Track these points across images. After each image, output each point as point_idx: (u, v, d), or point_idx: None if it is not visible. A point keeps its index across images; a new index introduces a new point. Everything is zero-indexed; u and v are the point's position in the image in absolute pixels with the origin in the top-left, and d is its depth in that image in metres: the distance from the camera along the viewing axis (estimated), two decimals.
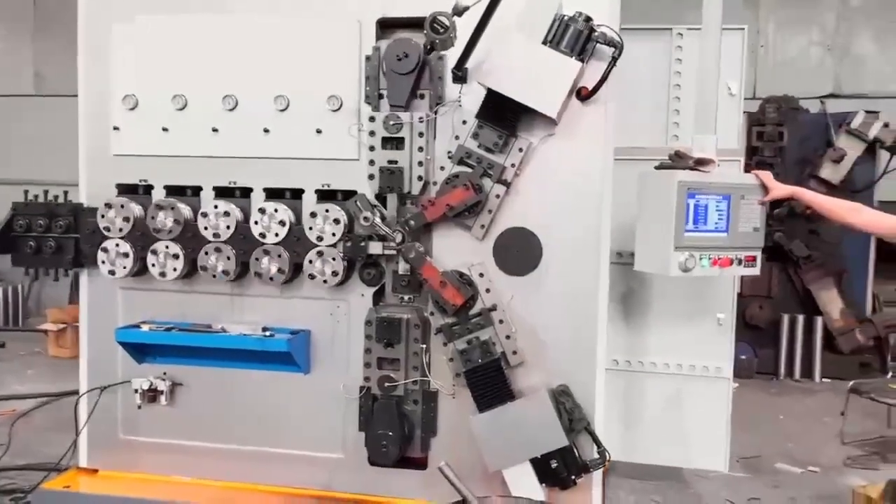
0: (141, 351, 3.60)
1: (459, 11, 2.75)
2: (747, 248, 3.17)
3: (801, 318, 8.18)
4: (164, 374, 3.63)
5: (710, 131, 3.17)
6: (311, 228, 3.32)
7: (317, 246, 3.33)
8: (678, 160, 3.16)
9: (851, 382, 5.75)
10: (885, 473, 4.96)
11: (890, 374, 5.93)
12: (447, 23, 2.73)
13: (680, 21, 4.10)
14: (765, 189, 3.19)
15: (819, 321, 8.14)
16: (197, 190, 3.57)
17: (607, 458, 3.19)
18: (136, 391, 3.61)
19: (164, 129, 3.55)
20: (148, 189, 3.60)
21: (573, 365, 3.28)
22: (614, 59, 3.06)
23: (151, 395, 3.62)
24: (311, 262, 3.33)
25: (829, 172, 8.12)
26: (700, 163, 3.09)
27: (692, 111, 3.72)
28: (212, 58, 3.49)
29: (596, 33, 3.03)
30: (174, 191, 3.58)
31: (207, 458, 3.62)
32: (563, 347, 3.28)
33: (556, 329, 3.28)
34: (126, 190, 3.62)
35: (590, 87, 3.13)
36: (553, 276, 3.28)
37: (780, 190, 3.17)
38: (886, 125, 8.11)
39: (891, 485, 4.15)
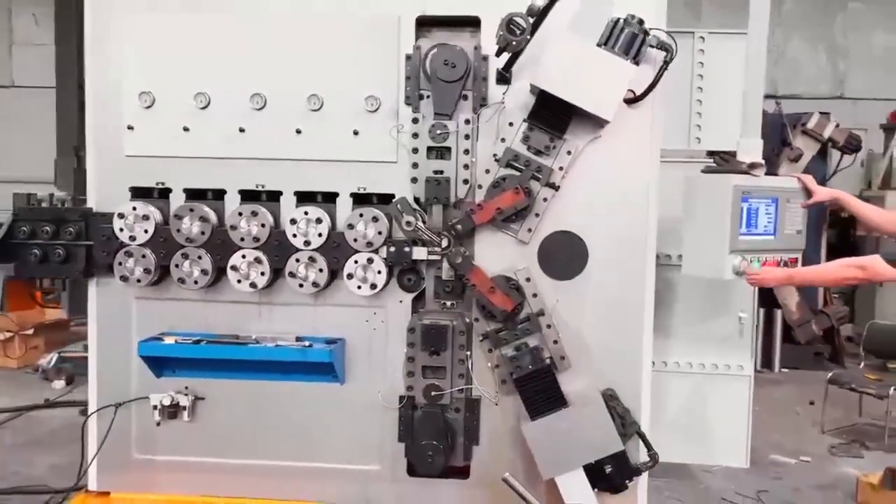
0: (160, 364, 3.38)
1: (534, 12, 2.68)
2: (791, 249, 3.24)
3: (761, 311, 8.47)
4: (186, 388, 3.43)
5: (755, 135, 3.22)
6: (354, 238, 3.19)
7: (358, 252, 3.21)
8: (724, 164, 3.19)
9: (830, 373, 5.99)
10: (870, 460, 5.22)
11: (862, 363, 6.22)
12: (524, 24, 2.66)
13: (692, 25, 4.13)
14: (807, 192, 3.26)
15: (778, 314, 8.46)
16: (220, 193, 3.37)
17: (657, 459, 3.20)
18: (154, 407, 3.40)
19: (185, 129, 3.34)
20: (165, 192, 3.39)
21: (619, 368, 3.27)
22: (666, 63, 3.06)
23: (172, 410, 3.42)
24: (355, 263, 3.20)
25: (785, 171, 8.40)
26: (752, 167, 3.13)
27: (716, 114, 3.79)
28: (238, 54, 3.30)
29: (649, 36, 3.01)
30: (194, 194, 3.37)
31: (234, 475, 3.44)
32: (610, 351, 3.27)
33: (602, 332, 3.26)
34: (140, 193, 3.39)
35: (633, 90, 3.12)
36: (599, 280, 3.25)
37: (823, 193, 3.24)
38: (838, 126, 8.49)
39: (889, 472, 4.37)
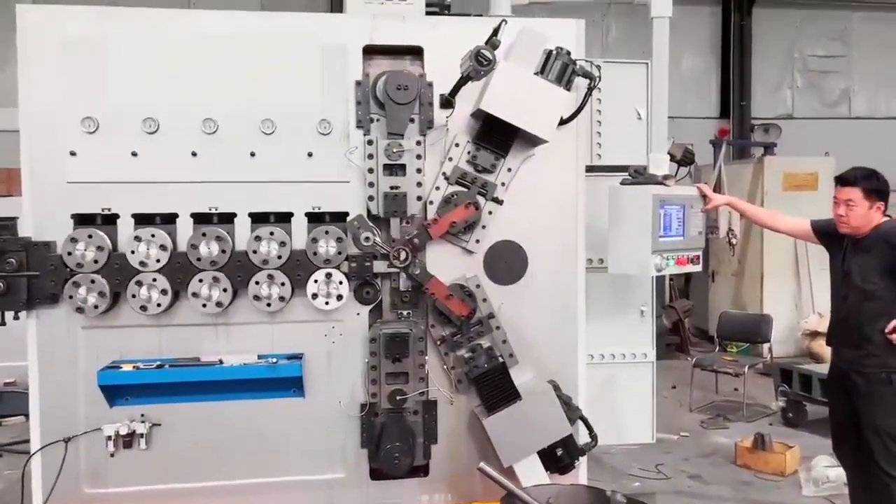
0: (114, 393, 3.32)
1: (496, 45, 2.99)
2: (695, 248, 3.79)
3: None
4: (142, 415, 3.38)
5: (663, 151, 3.74)
6: (315, 253, 3.33)
7: (320, 268, 3.35)
8: (639, 176, 3.68)
9: (694, 359, 6.80)
10: (735, 430, 6.01)
11: (717, 348, 7.11)
12: (490, 56, 2.96)
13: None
14: (705, 199, 3.83)
15: None
16: (170, 217, 3.37)
17: (597, 439, 3.60)
18: (109, 438, 3.34)
19: (134, 154, 3.33)
20: (111, 219, 3.34)
21: (559, 361, 3.65)
22: (590, 90, 3.50)
23: (127, 440, 3.36)
24: (315, 282, 3.34)
25: None
26: (666, 178, 3.64)
27: (614, 134, 4.31)
28: (188, 80, 3.35)
29: (577, 66, 3.43)
30: (144, 219, 3.35)
31: (197, 498, 3.44)
32: (550, 346, 3.64)
33: (542, 330, 3.63)
34: (83, 220, 3.32)
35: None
36: (538, 283, 3.62)
37: (718, 199, 3.84)
38: (673, 141, 9.55)
39: (758, 436, 5.13)
